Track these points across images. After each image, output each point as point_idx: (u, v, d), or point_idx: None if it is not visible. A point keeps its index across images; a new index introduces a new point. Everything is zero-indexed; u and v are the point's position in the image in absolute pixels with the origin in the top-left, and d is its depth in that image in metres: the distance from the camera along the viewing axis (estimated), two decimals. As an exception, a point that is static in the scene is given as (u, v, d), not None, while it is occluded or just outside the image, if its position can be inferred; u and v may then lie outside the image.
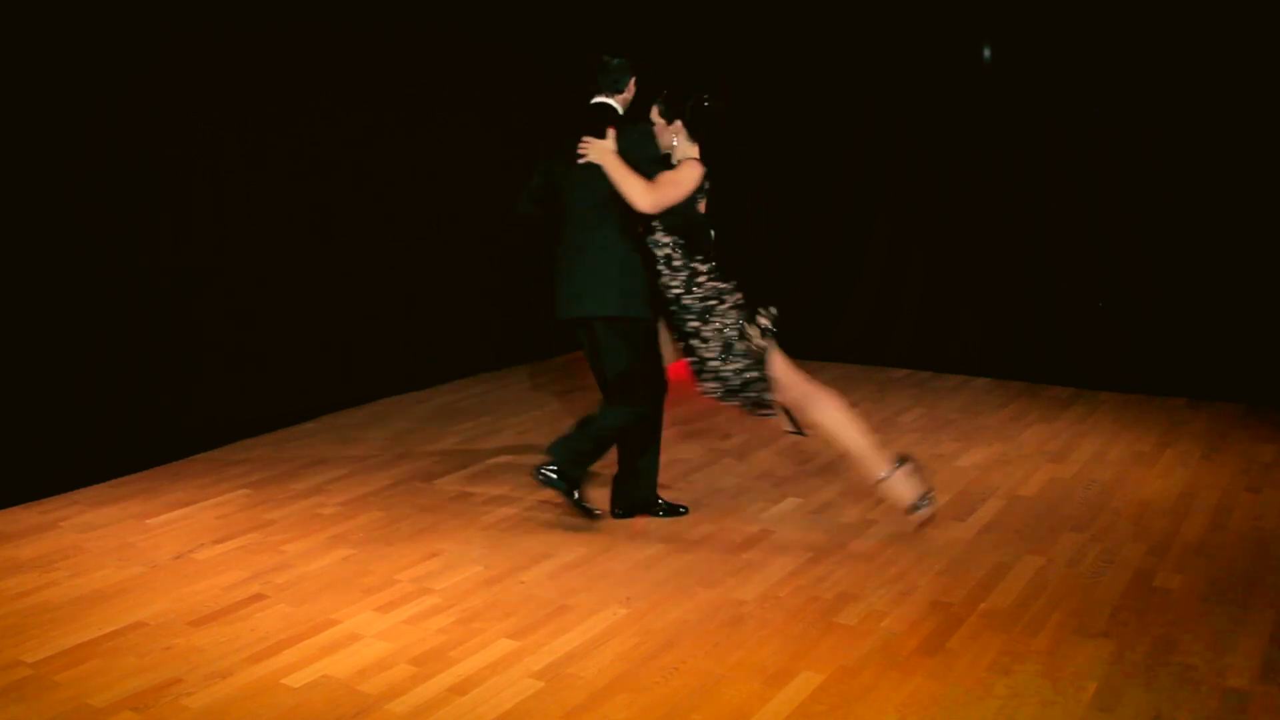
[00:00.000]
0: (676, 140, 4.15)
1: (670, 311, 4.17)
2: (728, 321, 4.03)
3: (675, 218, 4.05)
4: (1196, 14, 5.81)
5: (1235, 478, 4.73)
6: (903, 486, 4.02)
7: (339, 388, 6.15)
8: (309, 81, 5.76)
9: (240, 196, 5.51)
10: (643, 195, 3.98)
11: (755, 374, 4.00)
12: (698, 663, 3.17)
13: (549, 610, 3.54)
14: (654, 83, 4.31)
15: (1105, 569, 3.77)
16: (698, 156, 4.11)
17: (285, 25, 5.60)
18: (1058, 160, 6.37)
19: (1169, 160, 5.99)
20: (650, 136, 4.14)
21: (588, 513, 4.29)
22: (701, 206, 4.13)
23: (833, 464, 5.02)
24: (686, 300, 4.07)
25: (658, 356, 4.29)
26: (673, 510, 4.40)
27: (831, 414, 4.03)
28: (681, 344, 4.23)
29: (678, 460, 5.02)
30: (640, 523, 4.32)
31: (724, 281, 4.11)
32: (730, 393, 4.06)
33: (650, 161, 4.09)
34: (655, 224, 4.24)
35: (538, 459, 5.14)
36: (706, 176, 4.07)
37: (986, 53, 6.50)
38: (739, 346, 4.01)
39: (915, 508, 4.04)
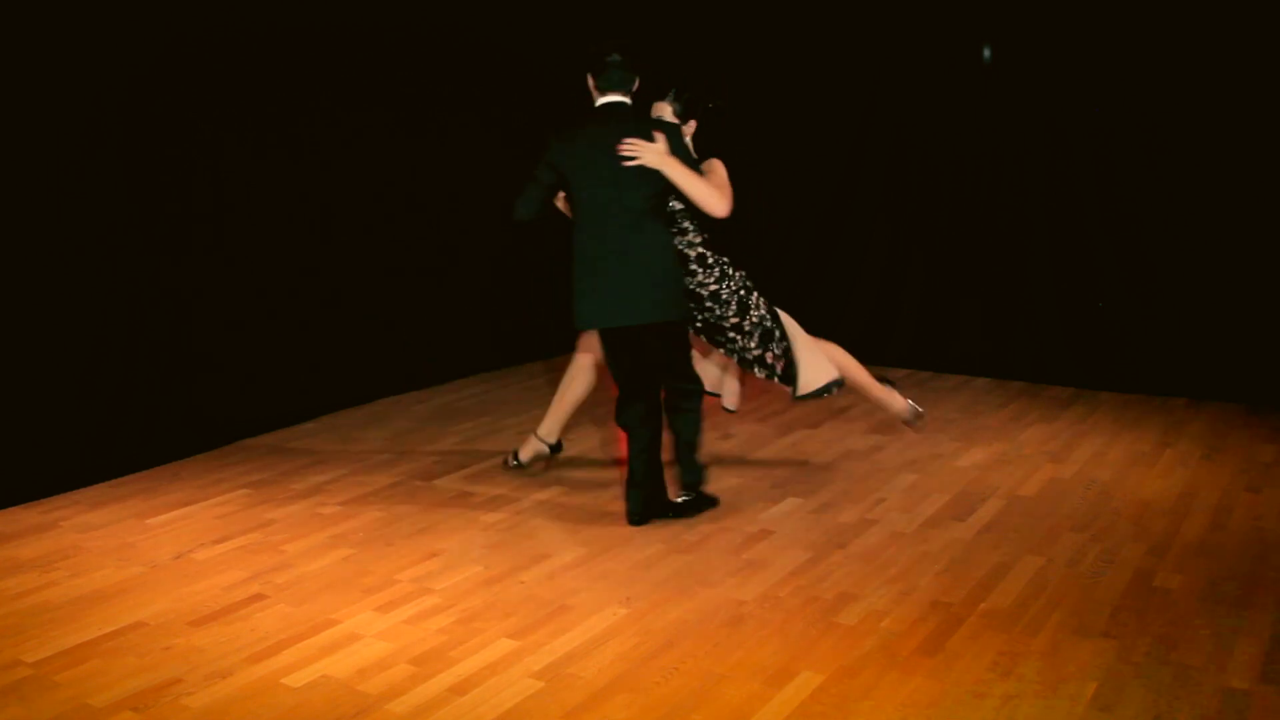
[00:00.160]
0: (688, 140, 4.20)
1: (707, 308, 4.38)
2: (761, 312, 4.42)
3: (705, 216, 4.16)
4: (1196, 14, 5.81)
5: (1235, 478, 4.73)
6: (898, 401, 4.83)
7: (339, 388, 6.15)
8: (309, 81, 5.76)
9: (240, 196, 5.51)
10: (719, 200, 3.99)
11: (789, 347, 4.43)
12: (698, 663, 3.17)
13: (549, 610, 3.54)
14: (654, 82, 4.31)
15: (1105, 569, 3.77)
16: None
17: (285, 25, 5.61)
18: (1058, 160, 6.36)
19: (1169, 160, 5.99)
20: (681, 138, 4.08)
21: (713, 501, 4.48)
22: None
23: (833, 464, 5.03)
24: (725, 296, 4.35)
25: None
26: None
27: (840, 357, 4.66)
28: (709, 337, 4.47)
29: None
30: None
31: (735, 269, 4.46)
32: (780, 377, 4.46)
33: (692, 164, 4.06)
34: (687, 224, 4.31)
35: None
36: None
37: (986, 53, 6.50)
38: (776, 332, 4.41)
39: (916, 415, 4.89)
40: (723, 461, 5.08)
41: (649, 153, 3.93)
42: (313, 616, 3.52)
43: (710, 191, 3.97)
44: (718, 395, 4.87)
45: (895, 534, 4.15)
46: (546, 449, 4.92)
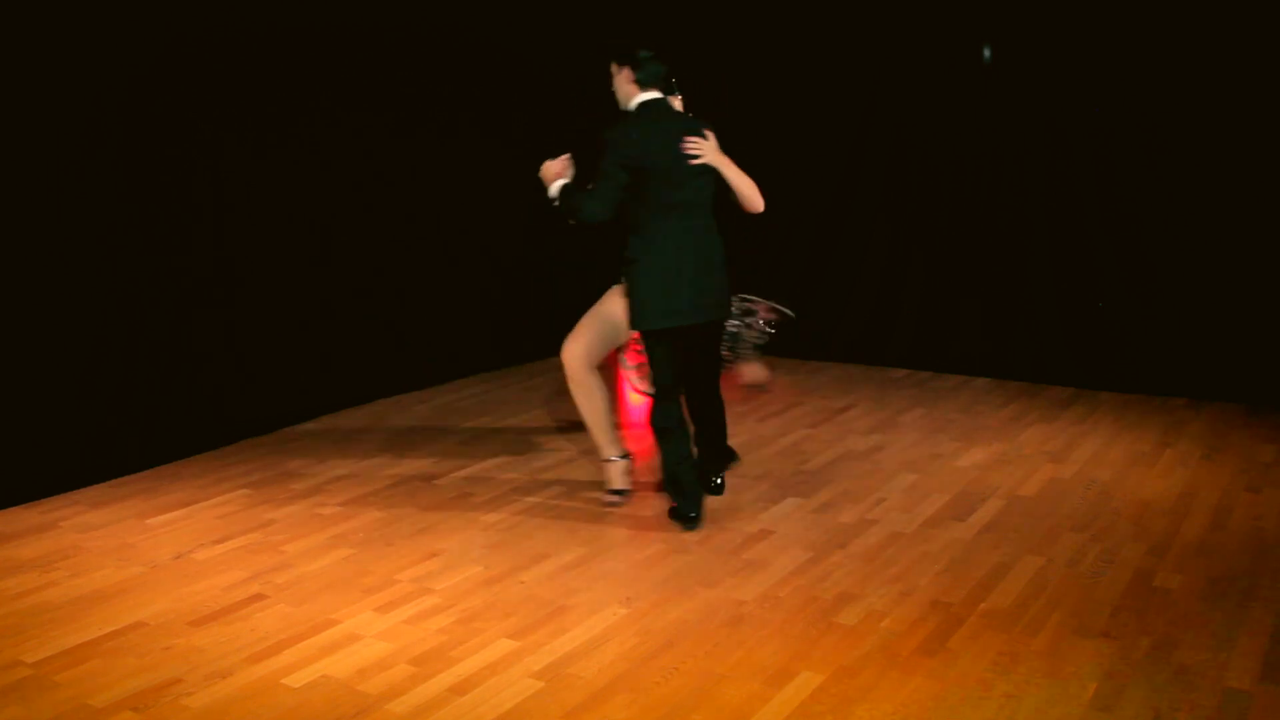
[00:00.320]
0: None
1: None
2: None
3: None
4: (1196, 14, 5.81)
5: (1235, 478, 4.73)
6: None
7: (339, 388, 6.15)
8: (309, 81, 5.76)
9: (240, 196, 5.51)
10: (759, 197, 4.12)
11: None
12: (698, 663, 3.17)
13: (549, 610, 3.54)
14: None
15: (1105, 569, 3.77)
16: None
17: (285, 25, 5.61)
18: (1058, 160, 6.36)
19: (1169, 160, 5.99)
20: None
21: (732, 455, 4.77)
22: None
23: (833, 464, 5.03)
24: None
25: None
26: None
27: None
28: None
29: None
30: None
31: None
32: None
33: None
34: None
35: (537, 459, 5.17)
36: None
37: (986, 53, 6.49)
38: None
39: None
40: (723, 461, 5.08)
41: (709, 150, 4.00)
42: (313, 616, 3.52)
43: (752, 186, 4.10)
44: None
45: (895, 534, 4.15)
46: (622, 460, 4.53)
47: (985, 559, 3.89)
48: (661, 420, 4.14)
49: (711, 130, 4.11)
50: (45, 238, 4.69)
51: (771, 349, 7.25)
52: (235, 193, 5.49)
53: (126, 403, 5.04)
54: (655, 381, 4.16)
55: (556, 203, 4.09)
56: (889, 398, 6.26)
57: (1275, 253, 5.78)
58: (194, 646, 3.33)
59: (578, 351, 4.41)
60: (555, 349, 7.36)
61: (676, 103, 4.32)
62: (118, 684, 3.10)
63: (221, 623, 3.49)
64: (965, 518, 4.31)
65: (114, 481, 4.92)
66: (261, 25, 5.49)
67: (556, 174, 4.13)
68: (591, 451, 5.26)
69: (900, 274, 7.00)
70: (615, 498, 4.47)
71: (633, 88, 4.07)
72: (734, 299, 4.53)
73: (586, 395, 4.41)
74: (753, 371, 4.94)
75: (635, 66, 4.05)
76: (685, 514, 4.23)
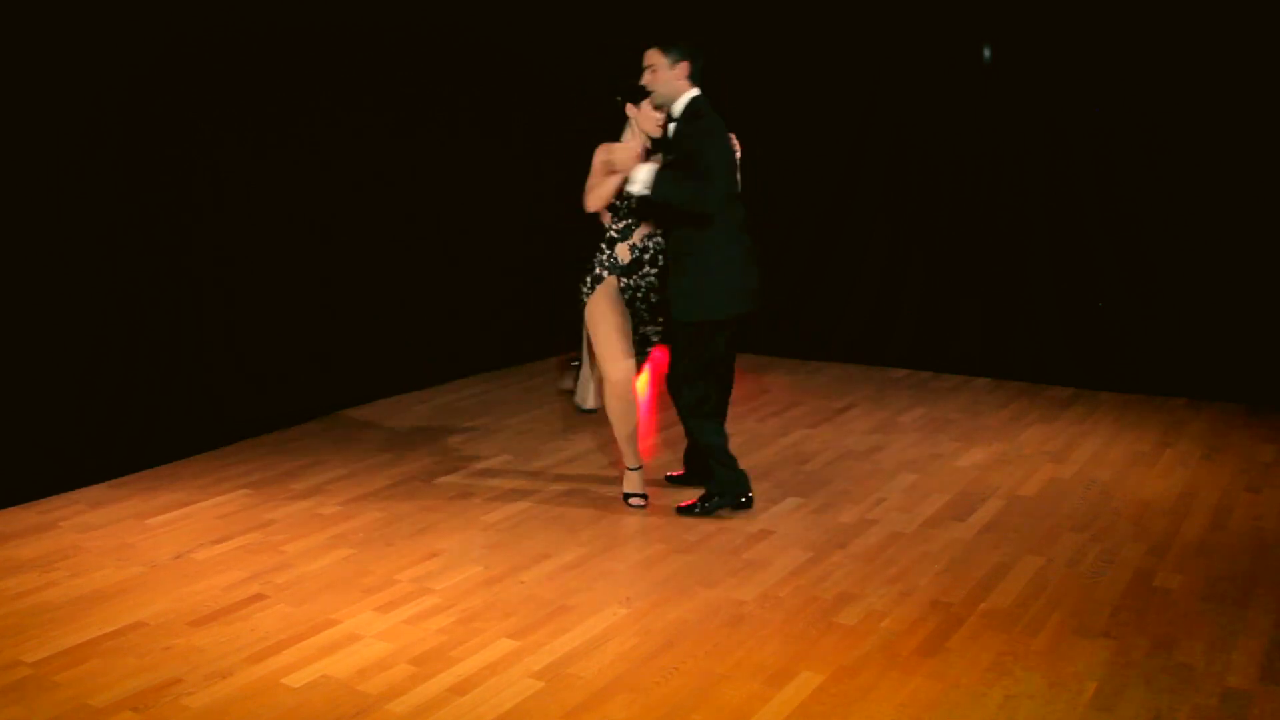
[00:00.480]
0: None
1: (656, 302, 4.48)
2: None
3: (645, 214, 4.31)
4: (1196, 14, 5.81)
5: (1235, 478, 4.73)
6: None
7: (339, 388, 6.14)
8: (309, 81, 5.76)
9: (240, 196, 5.51)
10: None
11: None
12: (698, 663, 3.17)
13: (549, 610, 3.54)
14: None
15: (1105, 569, 3.77)
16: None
17: (285, 25, 5.60)
18: (1058, 160, 6.36)
19: (1169, 160, 5.99)
20: None
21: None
22: None
23: (833, 464, 5.03)
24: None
25: None
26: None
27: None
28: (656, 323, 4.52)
29: (677, 460, 5.01)
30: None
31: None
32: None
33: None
34: (630, 222, 4.38)
35: (537, 459, 5.17)
36: None
37: (986, 53, 6.50)
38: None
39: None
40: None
41: (739, 147, 4.15)
42: (313, 616, 3.52)
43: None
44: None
45: (895, 534, 4.15)
46: (641, 469, 4.58)
47: (985, 559, 3.89)
48: (700, 408, 4.23)
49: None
50: (45, 237, 4.69)
51: (772, 349, 7.28)
52: (235, 193, 5.48)
53: (126, 403, 5.04)
54: (702, 370, 4.19)
55: (648, 190, 3.96)
56: (889, 398, 6.26)
57: (1275, 253, 5.78)
58: (194, 646, 3.33)
59: (629, 367, 4.32)
60: (555, 349, 7.42)
61: (630, 109, 4.28)
62: (118, 684, 3.10)
63: (221, 623, 3.49)
64: (965, 518, 4.31)
65: (113, 481, 4.91)
66: (261, 25, 5.48)
67: (635, 158, 4.06)
68: (591, 452, 5.27)
69: (900, 274, 7.00)
70: (641, 501, 4.51)
71: (685, 83, 4.08)
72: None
73: (627, 411, 4.36)
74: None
75: (694, 60, 4.08)
76: (744, 492, 4.38)
